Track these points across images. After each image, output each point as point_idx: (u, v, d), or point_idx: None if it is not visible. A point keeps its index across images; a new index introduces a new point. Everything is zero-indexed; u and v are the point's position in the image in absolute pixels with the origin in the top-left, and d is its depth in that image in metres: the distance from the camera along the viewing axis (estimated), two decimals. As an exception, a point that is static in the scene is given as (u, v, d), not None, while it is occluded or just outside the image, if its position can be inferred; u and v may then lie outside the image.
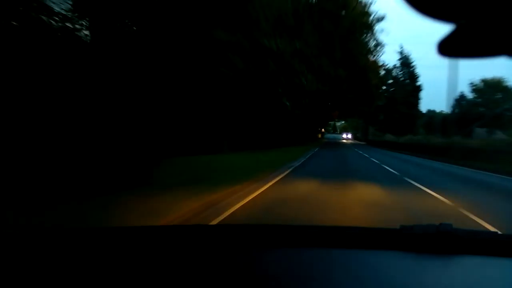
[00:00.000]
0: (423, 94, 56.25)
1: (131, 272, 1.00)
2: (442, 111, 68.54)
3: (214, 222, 4.37)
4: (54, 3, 7.88)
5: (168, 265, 1.06)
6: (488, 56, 0.55)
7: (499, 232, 1.46)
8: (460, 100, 59.37)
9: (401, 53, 56.39)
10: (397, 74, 56.20)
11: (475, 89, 57.75)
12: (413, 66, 55.84)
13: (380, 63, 39.15)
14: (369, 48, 35.38)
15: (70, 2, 8.56)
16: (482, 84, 57.32)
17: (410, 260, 1.12)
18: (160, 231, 1.42)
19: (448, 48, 0.55)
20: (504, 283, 1.05)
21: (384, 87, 47.70)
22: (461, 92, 60.41)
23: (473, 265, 1.13)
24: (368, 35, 33.69)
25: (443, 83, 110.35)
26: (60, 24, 8.13)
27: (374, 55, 36.22)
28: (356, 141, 62.51)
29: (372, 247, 1.19)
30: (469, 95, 58.05)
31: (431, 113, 68.15)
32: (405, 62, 56.14)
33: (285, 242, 1.25)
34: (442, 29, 0.53)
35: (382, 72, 45.00)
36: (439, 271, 1.04)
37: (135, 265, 1.05)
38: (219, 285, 0.94)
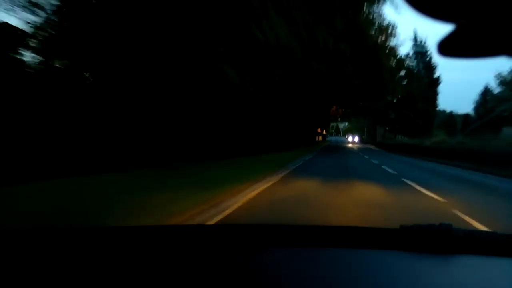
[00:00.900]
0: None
1: (130, 272, 0.99)
2: (452, 111, 58.85)
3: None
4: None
5: (168, 265, 1.04)
6: (488, 56, 0.55)
7: (499, 232, 1.26)
8: (485, 95, 50.50)
9: (415, 39, 47.65)
10: (410, 66, 47.25)
11: (503, 81, 48.77)
12: (429, 55, 47.06)
13: (395, 42, 30.53)
14: (381, 26, 26.88)
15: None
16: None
17: (410, 260, 1.12)
18: (160, 231, 1.38)
19: (448, 48, 0.55)
20: (504, 283, 1.03)
21: (400, 74, 38.66)
22: (486, 85, 51.55)
23: (473, 264, 1.12)
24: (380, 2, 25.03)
25: (453, 84, 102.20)
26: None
27: (388, 32, 27.57)
28: (365, 145, 52.60)
29: (372, 247, 1.18)
30: (496, 89, 49.19)
31: (441, 113, 58.70)
32: (420, 50, 47.35)
33: (285, 242, 1.24)
34: (443, 29, 0.52)
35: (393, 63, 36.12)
36: (439, 270, 1.05)
37: (134, 265, 1.04)
38: (219, 285, 0.93)
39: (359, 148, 37.98)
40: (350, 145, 51.08)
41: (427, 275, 1.01)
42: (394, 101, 44.73)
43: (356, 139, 68.05)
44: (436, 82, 47.29)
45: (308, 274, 0.99)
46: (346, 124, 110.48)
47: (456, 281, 1.00)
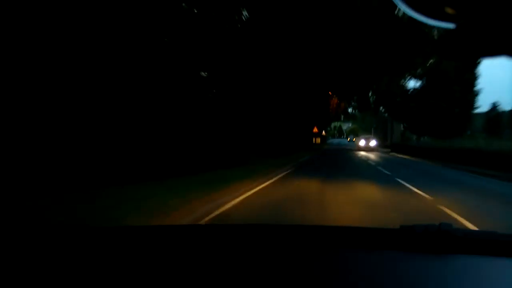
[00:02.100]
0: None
1: (129, 272, 0.99)
2: (495, 103, 45.36)
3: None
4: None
5: (167, 265, 1.05)
6: (488, 56, 0.55)
7: (499, 232, 1.25)
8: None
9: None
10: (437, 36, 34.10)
11: None
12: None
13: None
14: None
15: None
16: None
17: (410, 260, 1.12)
18: (159, 231, 1.40)
19: (448, 48, 0.55)
20: (504, 283, 1.03)
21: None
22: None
23: (473, 265, 1.12)
24: None
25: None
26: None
27: None
28: (392, 153, 31.23)
29: (372, 247, 1.18)
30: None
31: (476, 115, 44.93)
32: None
33: (283, 242, 1.24)
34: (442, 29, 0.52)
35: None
36: (439, 271, 1.04)
37: (134, 265, 1.04)
38: (217, 285, 0.94)
39: (379, 159, 24.12)
40: (362, 152, 30.99)
41: (427, 275, 1.01)
42: (422, 83, 31.51)
43: (373, 142, 37.90)
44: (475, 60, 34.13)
45: (307, 274, 1.00)
46: (350, 124, 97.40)
47: (456, 282, 1.00)
